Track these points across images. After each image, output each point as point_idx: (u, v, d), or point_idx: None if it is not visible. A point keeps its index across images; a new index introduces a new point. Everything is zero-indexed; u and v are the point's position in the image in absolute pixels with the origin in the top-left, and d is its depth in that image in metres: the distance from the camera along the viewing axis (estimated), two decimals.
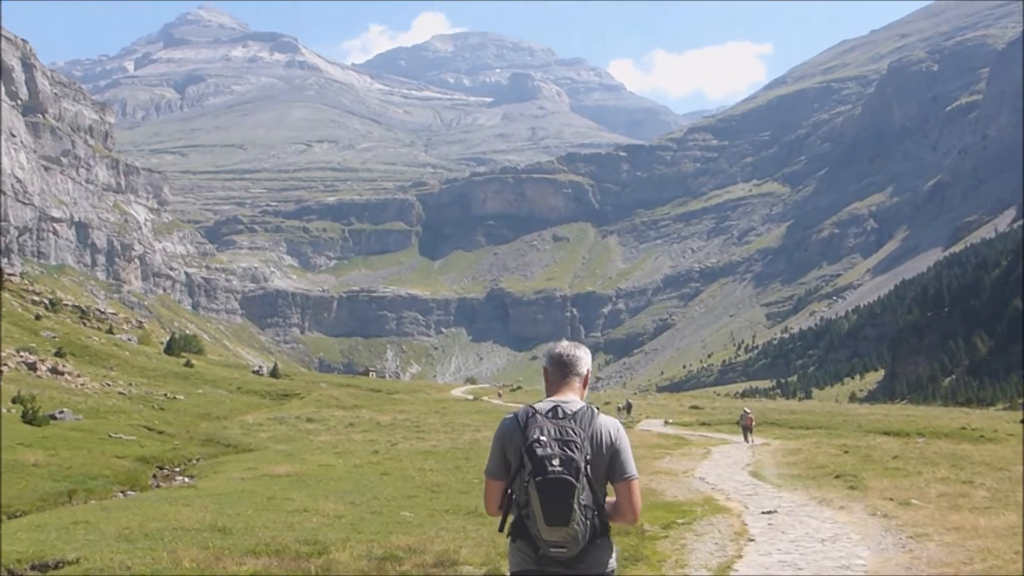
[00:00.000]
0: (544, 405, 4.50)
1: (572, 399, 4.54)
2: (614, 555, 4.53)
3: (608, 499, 4.52)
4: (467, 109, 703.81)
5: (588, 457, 4.30)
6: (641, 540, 14.08)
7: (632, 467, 4.60)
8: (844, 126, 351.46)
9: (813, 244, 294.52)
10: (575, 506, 4.18)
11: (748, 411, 40.45)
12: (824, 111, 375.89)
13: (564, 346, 4.72)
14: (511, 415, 4.56)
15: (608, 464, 4.46)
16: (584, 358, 4.73)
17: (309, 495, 20.44)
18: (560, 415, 4.39)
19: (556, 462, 4.20)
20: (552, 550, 4.25)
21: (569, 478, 4.18)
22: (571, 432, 4.30)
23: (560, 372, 4.63)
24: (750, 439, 37.18)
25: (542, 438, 4.26)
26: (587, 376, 4.71)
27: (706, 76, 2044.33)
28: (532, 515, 4.24)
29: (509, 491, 4.45)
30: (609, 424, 4.51)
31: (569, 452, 4.23)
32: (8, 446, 29.56)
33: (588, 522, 4.25)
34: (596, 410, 4.50)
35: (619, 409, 69.57)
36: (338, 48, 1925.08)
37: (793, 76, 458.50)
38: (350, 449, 35.11)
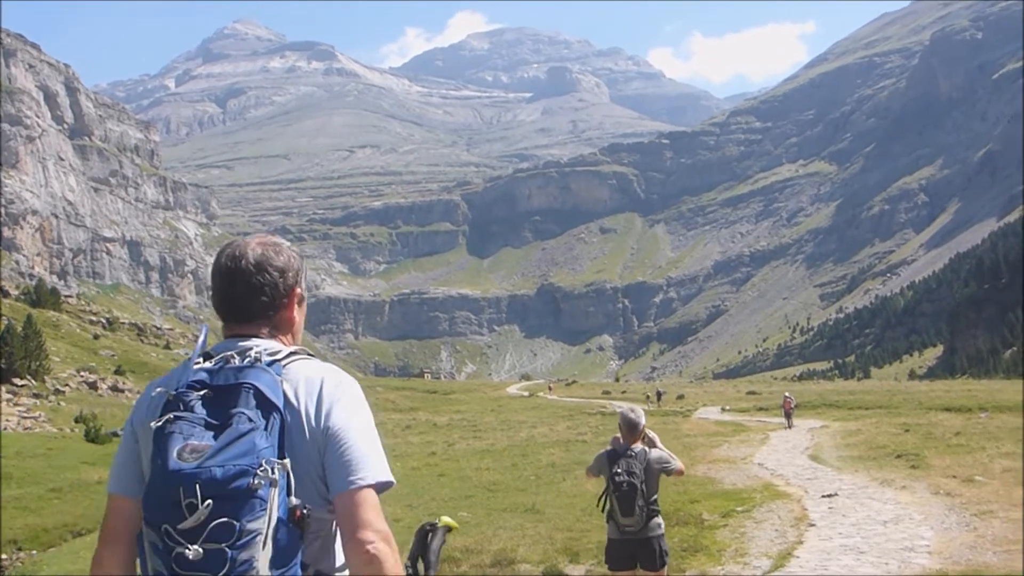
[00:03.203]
0: (621, 449, 7.44)
1: (636, 446, 7.47)
2: (662, 524, 7.53)
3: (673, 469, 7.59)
4: (506, 106, 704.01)
5: (642, 479, 7.26)
6: (700, 530, 13.99)
7: (673, 466, 7.50)
8: (889, 100, 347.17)
9: (864, 222, 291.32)
10: (636, 506, 7.21)
11: (788, 395, 39.90)
12: (868, 86, 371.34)
13: (631, 417, 7.58)
14: (604, 451, 7.60)
15: (659, 473, 7.46)
16: (641, 421, 7.55)
17: None
18: (629, 455, 7.37)
19: (625, 485, 7.23)
20: (627, 528, 7.30)
21: (631, 491, 7.21)
22: (633, 466, 7.29)
23: (628, 430, 7.52)
24: (791, 423, 36.66)
25: (618, 470, 7.29)
26: (643, 429, 7.55)
27: (747, 60, 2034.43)
28: (614, 510, 7.33)
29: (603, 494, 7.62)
30: (654, 456, 7.41)
31: (631, 479, 7.24)
32: (72, 465, 30.04)
33: (644, 513, 7.26)
34: (647, 449, 7.43)
35: (647, 398, 69.64)
36: (375, 53, 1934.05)
37: (834, 53, 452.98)
38: (407, 452, 35.24)
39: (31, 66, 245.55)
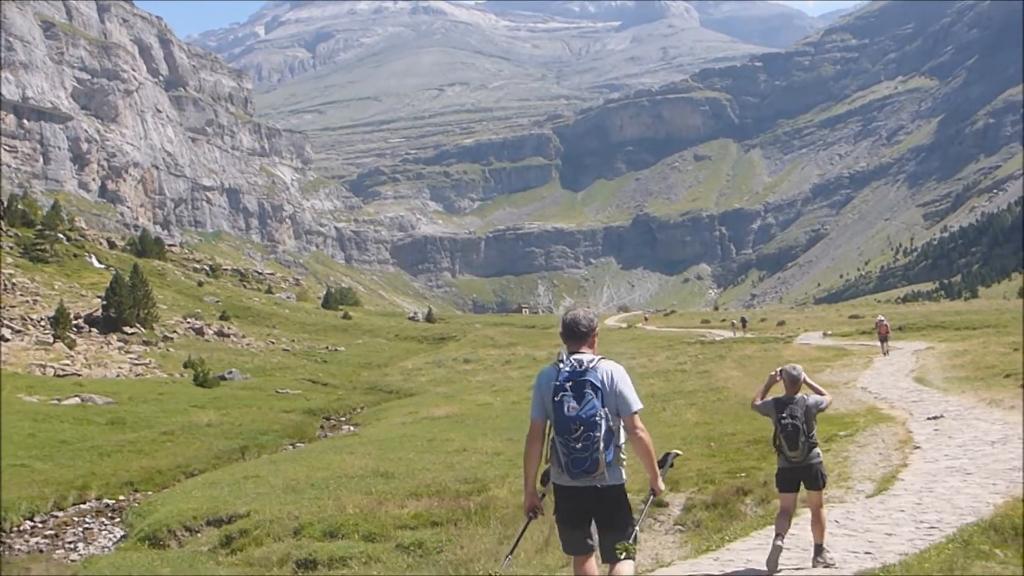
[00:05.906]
0: (784, 398, 8.82)
1: (798, 395, 8.83)
2: (820, 454, 8.89)
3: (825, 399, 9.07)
4: (595, 36, 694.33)
5: (803, 419, 8.63)
6: None
7: (825, 404, 8.88)
8: (992, 9, 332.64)
9: (967, 137, 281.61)
10: (800, 441, 8.60)
11: (883, 318, 37.96)
12: None
13: (793, 373, 8.86)
14: (771, 399, 8.97)
15: (815, 414, 8.77)
16: (801, 375, 8.86)
17: (468, 434, 20.82)
18: (792, 402, 8.75)
19: (790, 427, 8.61)
20: (793, 459, 8.69)
21: (795, 431, 8.61)
22: (796, 411, 8.66)
23: (790, 383, 8.83)
24: (886, 348, 34.58)
25: (784, 415, 8.68)
26: (803, 380, 8.86)
27: None
28: (782, 446, 8.73)
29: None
30: (812, 401, 8.77)
31: (794, 421, 8.61)
32: (182, 409, 30.99)
33: (806, 446, 8.63)
34: (806, 396, 8.80)
35: (732, 325, 69.29)
36: None
37: None
38: (507, 387, 35.58)
39: (125, 20, 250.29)
